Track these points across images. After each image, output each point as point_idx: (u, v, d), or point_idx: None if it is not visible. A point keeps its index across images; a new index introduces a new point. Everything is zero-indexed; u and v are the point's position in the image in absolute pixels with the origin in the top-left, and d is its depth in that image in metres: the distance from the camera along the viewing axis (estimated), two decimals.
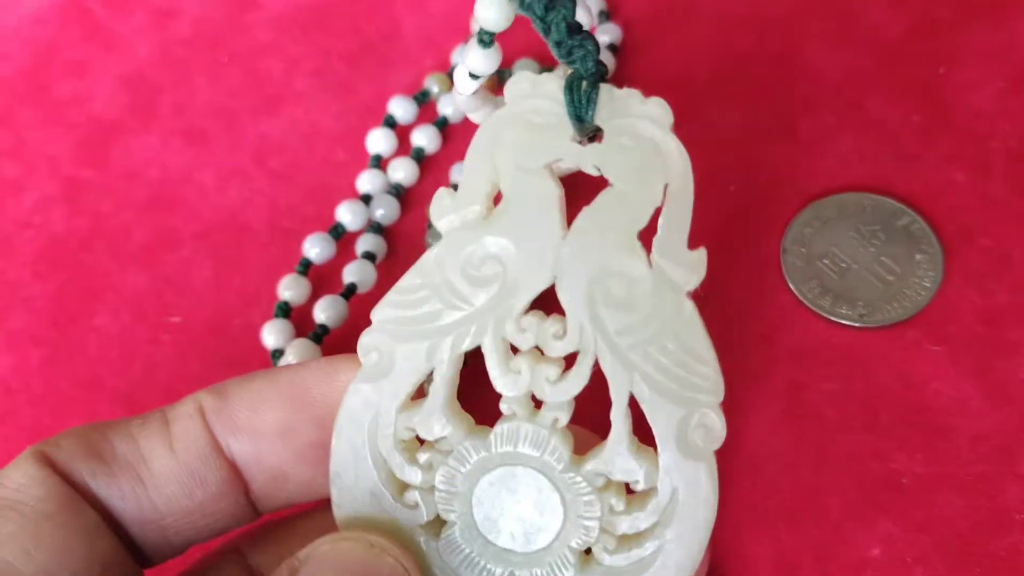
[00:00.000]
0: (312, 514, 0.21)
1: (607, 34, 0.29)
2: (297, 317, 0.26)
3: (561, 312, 0.18)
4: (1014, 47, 0.27)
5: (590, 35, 0.17)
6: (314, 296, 0.26)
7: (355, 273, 0.26)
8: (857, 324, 0.24)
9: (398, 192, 0.28)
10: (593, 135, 0.17)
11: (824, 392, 0.24)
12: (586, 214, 0.17)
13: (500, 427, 0.18)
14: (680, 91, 0.28)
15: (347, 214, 0.27)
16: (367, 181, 0.28)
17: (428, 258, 0.18)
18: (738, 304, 0.25)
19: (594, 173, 0.17)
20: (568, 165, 0.18)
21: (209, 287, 0.27)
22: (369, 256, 0.26)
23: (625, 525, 0.18)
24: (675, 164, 0.17)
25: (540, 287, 0.18)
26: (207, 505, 0.19)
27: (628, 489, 0.18)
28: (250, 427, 0.19)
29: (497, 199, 0.18)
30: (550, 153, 0.17)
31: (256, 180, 0.28)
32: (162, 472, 0.18)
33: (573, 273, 0.17)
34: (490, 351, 0.18)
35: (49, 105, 0.30)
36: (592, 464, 0.18)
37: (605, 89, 0.17)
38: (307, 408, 0.19)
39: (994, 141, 0.26)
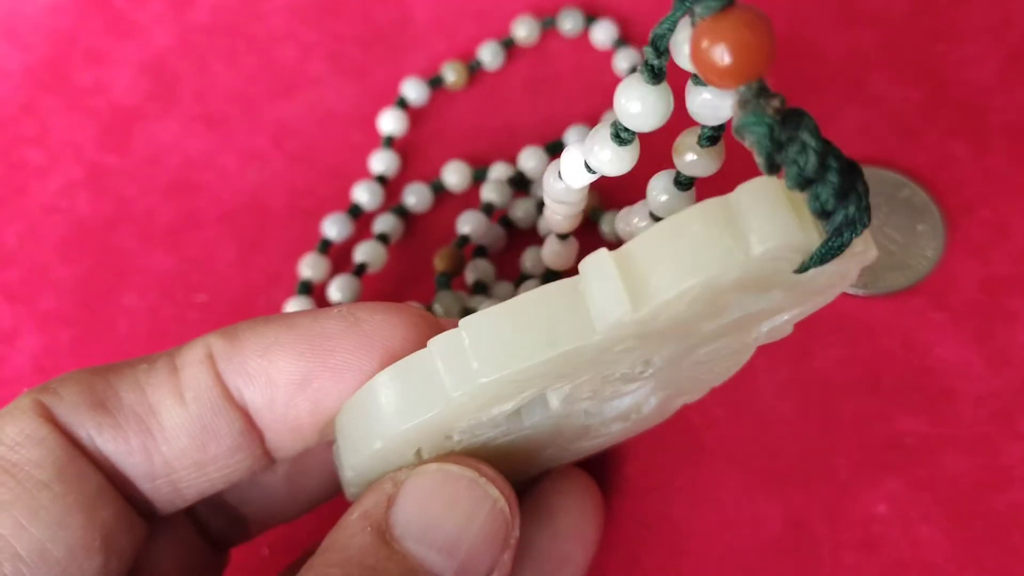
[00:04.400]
0: None
1: (626, 60, 0.29)
2: (318, 295, 0.27)
3: None
4: (1011, 23, 0.28)
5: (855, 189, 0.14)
6: (334, 274, 0.27)
7: (365, 253, 0.27)
8: (862, 292, 0.25)
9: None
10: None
11: (831, 358, 0.24)
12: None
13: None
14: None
15: (363, 194, 0.28)
16: (380, 161, 0.28)
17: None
18: None
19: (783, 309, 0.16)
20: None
21: (233, 267, 0.28)
22: (382, 238, 0.27)
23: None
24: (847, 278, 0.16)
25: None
26: (221, 458, 0.18)
27: None
28: (263, 376, 0.17)
29: None
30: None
31: (275, 163, 0.29)
32: (172, 425, 0.17)
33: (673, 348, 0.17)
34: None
35: (71, 93, 0.31)
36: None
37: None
38: (326, 357, 0.17)
39: (993, 115, 0.27)
